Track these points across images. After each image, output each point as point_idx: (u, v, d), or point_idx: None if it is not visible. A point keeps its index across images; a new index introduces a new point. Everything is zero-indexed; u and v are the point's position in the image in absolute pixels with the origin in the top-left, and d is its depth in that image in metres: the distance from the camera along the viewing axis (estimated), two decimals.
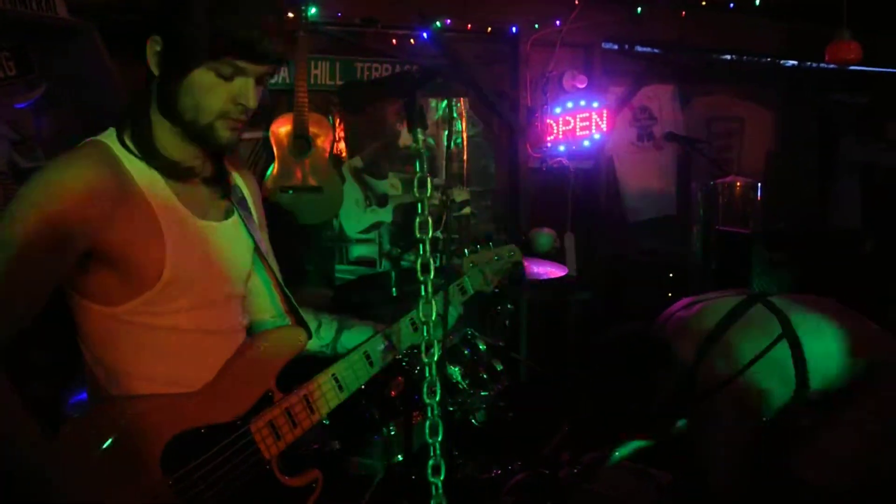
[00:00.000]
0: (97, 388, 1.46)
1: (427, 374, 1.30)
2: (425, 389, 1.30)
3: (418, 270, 1.29)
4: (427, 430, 1.31)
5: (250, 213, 1.66)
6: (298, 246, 3.80)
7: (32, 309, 1.30)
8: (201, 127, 1.42)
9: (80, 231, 1.31)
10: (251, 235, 1.63)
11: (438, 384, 1.32)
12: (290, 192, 3.67)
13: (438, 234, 3.33)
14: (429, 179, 1.30)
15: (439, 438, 1.32)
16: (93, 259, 1.35)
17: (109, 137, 1.42)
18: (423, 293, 1.31)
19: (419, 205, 1.32)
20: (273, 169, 3.72)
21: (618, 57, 4.74)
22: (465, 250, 2.06)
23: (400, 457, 2.57)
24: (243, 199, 1.64)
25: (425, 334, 1.31)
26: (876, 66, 5.27)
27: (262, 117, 3.73)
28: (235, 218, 1.60)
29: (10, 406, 1.26)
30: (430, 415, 1.31)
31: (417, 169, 1.30)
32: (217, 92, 1.39)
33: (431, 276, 1.30)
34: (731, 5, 4.62)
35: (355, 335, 1.83)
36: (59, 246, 1.30)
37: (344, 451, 2.52)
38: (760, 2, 4.56)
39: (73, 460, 1.31)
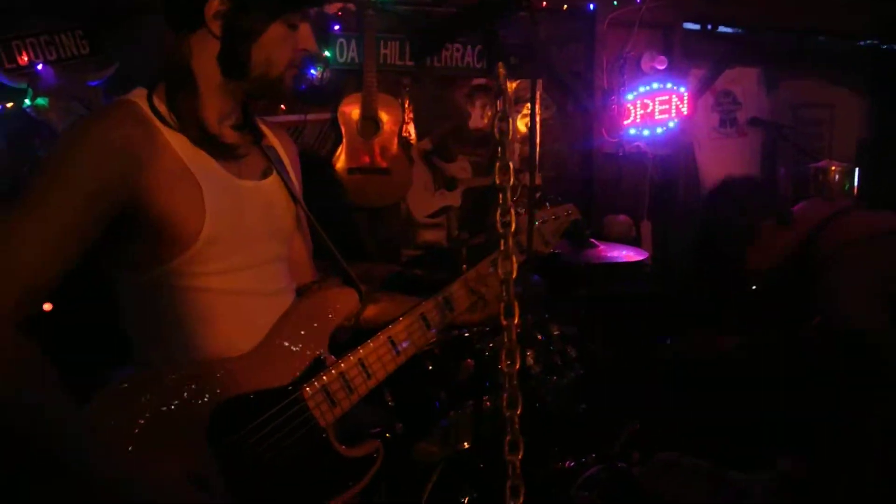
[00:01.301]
0: (141, 359, 1.39)
1: (506, 339, 1.17)
2: (504, 356, 1.17)
3: (497, 223, 1.16)
4: (505, 403, 1.17)
5: (289, 173, 1.57)
6: (365, 229, 3.73)
7: (65, 266, 1.23)
8: (271, 81, 1.40)
9: (115, 186, 1.25)
10: (292, 196, 1.54)
11: (518, 353, 1.18)
12: (358, 173, 3.60)
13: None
14: (509, 119, 1.17)
15: (518, 411, 1.18)
16: (129, 221, 1.28)
17: (139, 97, 1.35)
18: (501, 248, 1.17)
19: (500, 142, 1.18)
20: (341, 150, 3.65)
21: (699, 38, 4.51)
22: (520, 212, 1.93)
23: (467, 444, 2.45)
24: (280, 159, 1.56)
25: (505, 295, 1.18)
26: None
27: (331, 98, 3.67)
28: (274, 177, 1.51)
29: (43, 375, 1.19)
30: (507, 385, 1.18)
31: (498, 108, 1.17)
32: (287, 43, 1.39)
33: (512, 229, 1.16)
34: None
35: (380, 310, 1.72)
36: (90, 198, 1.23)
37: (409, 436, 2.41)
38: None
39: (112, 430, 1.24)
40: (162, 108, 1.34)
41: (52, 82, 3.04)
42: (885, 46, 4.98)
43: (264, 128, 1.56)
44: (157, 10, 1.43)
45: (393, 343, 1.57)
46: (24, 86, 3.01)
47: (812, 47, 4.85)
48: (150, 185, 1.27)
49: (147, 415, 1.26)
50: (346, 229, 3.14)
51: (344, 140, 3.67)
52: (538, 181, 4.12)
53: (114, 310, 1.42)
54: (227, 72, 1.37)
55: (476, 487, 2.26)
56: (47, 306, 1.29)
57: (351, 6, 3.69)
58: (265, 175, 1.50)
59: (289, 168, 1.58)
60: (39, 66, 3.06)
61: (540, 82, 4.17)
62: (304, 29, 1.40)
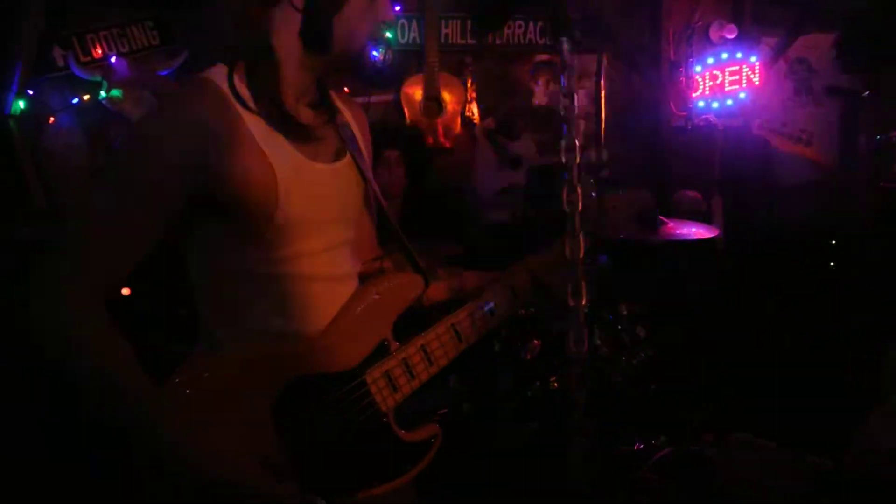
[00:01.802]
0: (211, 340, 1.41)
1: (574, 321, 1.15)
2: (572, 339, 1.15)
3: (564, 201, 1.13)
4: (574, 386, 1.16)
5: (361, 152, 1.56)
6: (432, 208, 3.73)
7: (141, 251, 1.26)
8: (354, 54, 1.40)
9: (191, 167, 1.26)
10: (363, 176, 1.55)
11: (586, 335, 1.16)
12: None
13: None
14: (574, 95, 1.14)
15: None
16: (203, 202, 1.29)
17: (218, 75, 1.34)
18: (569, 229, 1.15)
19: (565, 119, 1.16)
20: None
21: (771, 4, 4.33)
22: (592, 195, 1.89)
23: (535, 424, 2.45)
24: (353, 136, 1.55)
25: (574, 274, 1.16)
26: None
27: (393, 79, 3.68)
28: (347, 158, 1.51)
29: (120, 354, 1.23)
30: (574, 370, 1.16)
31: (564, 86, 1.15)
32: (368, 16, 1.39)
33: (579, 208, 1.14)
34: None
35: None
36: (169, 178, 1.25)
37: (475, 416, 2.42)
38: None
39: (183, 410, 1.27)
40: (241, 88, 1.33)
41: (125, 74, 3.14)
42: None
43: (338, 103, 1.55)
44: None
45: (456, 331, 1.57)
46: (98, 78, 3.12)
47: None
48: (226, 164, 1.28)
49: (216, 395, 1.30)
50: (420, 212, 3.15)
51: (407, 121, 3.67)
52: (604, 157, 4.04)
53: (185, 289, 1.46)
54: (309, 46, 1.36)
55: (545, 469, 2.26)
56: (125, 291, 1.32)
57: None
58: (338, 156, 1.49)
59: (361, 145, 1.57)
60: (113, 59, 3.16)
61: (605, 56, 4.09)
62: (382, 1, 1.39)
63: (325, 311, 1.45)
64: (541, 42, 3.90)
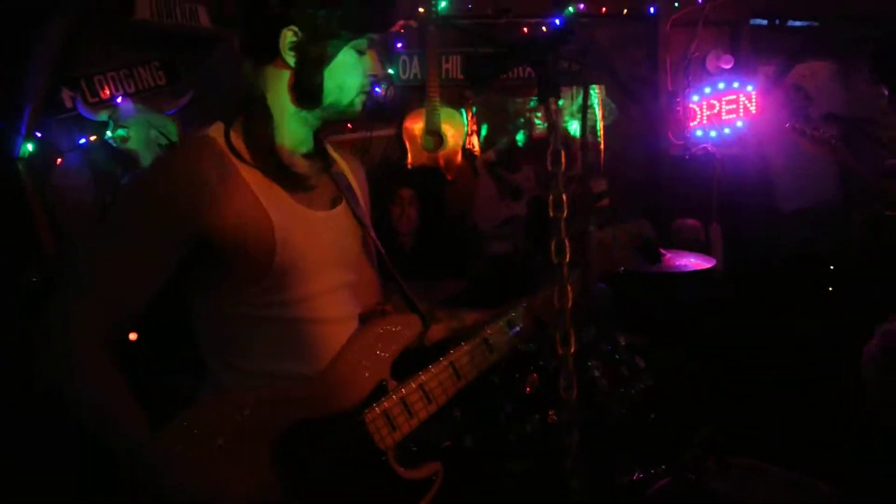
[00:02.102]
0: (214, 382, 1.46)
1: (563, 369, 1.19)
2: (561, 384, 1.19)
3: (552, 253, 1.18)
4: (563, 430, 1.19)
5: (357, 199, 1.62)
6: (436, 238, 3.78)
7: (148, 294, 1.33)
8: (343, 106, 1.46)
9: (190, 219, 1.32)
10: (360, 223, 1.60)
11: (574, 380, 1.20)
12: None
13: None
14: (562, 153, 1.19)
15: (575, 439, 1.20)
16: (204, 251, 1.35)
17: (216, 131, 1.42)
18: (558, 278, 1.19)
19: (552, 179, 1.21)
20: (407, 164, 3.72)
21: (768, 33, 4.40)
22: (592, 228, 1.92)
23: (533, 456, 2.47)
24: (349, 185, 1.61)
25: (561, 324, 1.20)
26: None
27: (395, 113, 3.75)
28: (343, 205, 1.56)
29: (119, 398, 1.29)
30: (566, 411, 1.20)
31: (551, 142, 1.19)
32: (357, 69, 1.45)
33: (567, 258, 1.18)
34: None
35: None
36: (169, 235, 1.32)
37: (477, 449, 2.44)
38: None
39: (183, 454, 1.31)
40: (238, 143, 1.40)
41: (131, 113, 3.21)
42: None
43: (334, 154, 1.62)
44: (227, 39, 1.51)
45: (455, 368, 1.61)
46: (104, 118, 3.19)
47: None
48: (225, 218, 1.34)
49: (216, 440, 1.34)
50: (421, 245, 3.18)
51: (409, 154, 3.73)
52: (603, 187, 4.09)
53: (190, 332, 1.51)
54: (300, 100, 1.43)
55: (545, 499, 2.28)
56: (133, 336, 1.38)
57: (412, 23, 3.76)
58: (335, 203, 1.55)
59: (357, 193, 1.64)
60: (119, 99, 3.23)
61: (602, 87, 4.16)
62: (372, 55, 1.46)
63: (326, 352, 1.49)
64: None
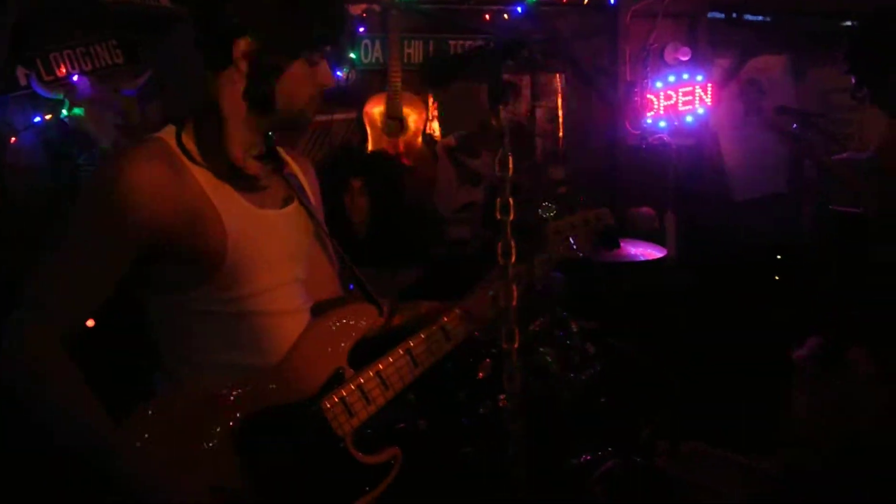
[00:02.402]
0: (171, 376, 1.49)
1: (508, 362, 1.25)
2: (505, 378, 1.25)
3: (499, 254, 1.23)
4: (507, 415, 1.25)
5: (309, 199, 1.66)
6: (392, 226, 3.81)
7: (98, 299, 1.36)
8: (294, 115, 1.50)
9: (143, 218, 1.34)
10: (312, 219, 1.64)
11: (519, 373, 1.26)
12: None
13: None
14: (510, 159, 1.24)
15: (520, 426, 1.26)
16: (156, 251, 1.38)
17: (167, 134, 1.45)
18: (504, 277, 1.25)
19: (502, 185, 1.26)
20: (367, 149, 3.73)
21: (724, 27, 4.49)
22: (550, 216, 1.97)
23: (487, 439, 2.54)
24: (300, 185, 1.65)
25: (508, 320, 1.25)
26: None
27: (356, 97, 3.75)
28: (295, 204, 1.60)
29: (79, 393, 1.32)
30: (509, 402, 1.26)
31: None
32: (308, 79, 1.47)
33: (513, 260, 1.24)
34: None
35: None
36: (123, 233, 1.34)
37: (431, 432, 2.50)
38: None
39: (144, 445, 1.35)
40: (190, 145, 1.44)
41: (87, 92, 3.17)
42: None
43: (285, 156, 1.65)
44: (186, 19, 1.52)
45: (412, 356, 1.66)
46: (60, 96, 3.14)
47: (844, 31, 4.78)
48: (176, 220, 1.37)
49: (175, 430, 1.38)
50: (380, 231, 3.20)
51: (370, 139, 3.75)
52: (561, 175, 4.17)
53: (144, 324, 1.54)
54: (252, 107, 1.46)
55: (499, 482, 2.35)
56: (90, 322, 1.41)
57: (375, 7, 3.76)
58: (287, 203, 1.59)
59: (309, 193, 1.67)
60: (75, 77, 3.19)
61: (563, 76, 4.21)
62: (324, 66, 1.49)
63: (280, 344, 1.53)
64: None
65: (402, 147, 3.75)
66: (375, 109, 3.73)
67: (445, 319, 1.72)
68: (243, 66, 1.42)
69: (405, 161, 3.74)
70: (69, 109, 3.12)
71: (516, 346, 1.24)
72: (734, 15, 4.49)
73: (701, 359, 3.84)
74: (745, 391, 3.63)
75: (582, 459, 2.48)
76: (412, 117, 3.75)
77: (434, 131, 3.98)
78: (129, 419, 1.36)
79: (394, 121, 3.72)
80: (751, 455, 3.36)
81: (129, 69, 3.40)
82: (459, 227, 3.98)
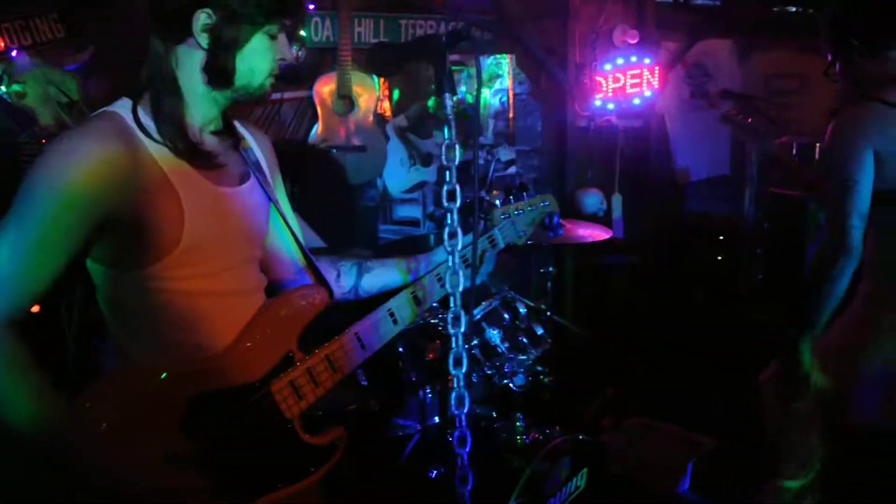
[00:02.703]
0: (122, 354, 1.49)
1: (453, 346, 1.29)
2: (451, 361, 1.28)
3: (445, 240, 1.26)
4: (453, 401, 1.29)
5: (265, 174, 1.65)
6: (341, 205, 3.80)
7: (53, 277, 1.33)
8: (253, 88, 1.49)
9: (96, 200, 1.33)
10: (268, 197, 1.63)
11: (465, 356, 1.30)
12: (334, 151, 3.65)
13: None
14: (457, 147, 1.27)
15: (465, 410, 1.30)
16: (110, 228, 1.36)
17: (123, 108, 1.42)
18: (449, 263, 1.28)
19: (447, 172, 1.29)
20: (317, 128, 3.71)
21: (672, 10, 4.57)
22: (497, 201, 2.02)
23: (437, 419, 2.59)
24: (257, 161, 1.64)
25: (453, 305, 1.29)
26: None
27: (306, 76, 3.71)
28: (251, 182, 1.60)
29: (30, 375, 1.31)
30: (455, 386, 1.30)
31: (446, 136, 1.27)
32: (269, 53, 1.47)
33: (459, 246, 1.27)
34: None
35: (376, 278, 1.84)
36: (75, 215, 1.32)
37: (382, 413, 2.54)
38: None
39: (94, 425, 1.35)
40: (145, 119, 1.41)
41: (27, 68, 3.07)
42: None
43: (242, 130, 1.64)
44: None
45: (359, 339, 1.68)
46: None
47: (787, 17, 4.90)
48: (132, 197, 1.36)
49: (127, 409, 1.38)
50: (328, 210, 3.20)
51: (320, 118, 3.72)
52: (510, 155, 4.21)
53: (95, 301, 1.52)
54: (211, 81, 1.45)
55: (447, 461, 2.40)
56: (34, 308, 1.39)
57: None
58: (243, 180, 1.58)
59: (265, 168, 1.67)
60: (14, 53, 3.08)
61: (513, 57, 4.23)
62: (282, 39, 1.49)
63: (232, 325, 1.54)
64: None
65: (352, 126, 3.73)
66: (326, 88, 3.69)
67: (393, 304, 1.75)
68: (203, 39, 1.41)
69: (356, 140, 3.73)
70: (8, 86, 3.02)
71: (462, 330, 1.27)
72: None
73: (648, 338, 3.95)
74: (687, 372, 3.76)
75: (530, 437, 2.54)
76: (363, 97, 3.73)
77: (385, 111, 3.97)
78: (79, 399, 1.36)
79: (344, 100, 3.69)
80: (692, 427, 3.51)
81: (71, 43, 3.30)
82: (409, 207, 4.00)
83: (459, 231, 1.30)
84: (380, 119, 3.89)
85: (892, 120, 2.07)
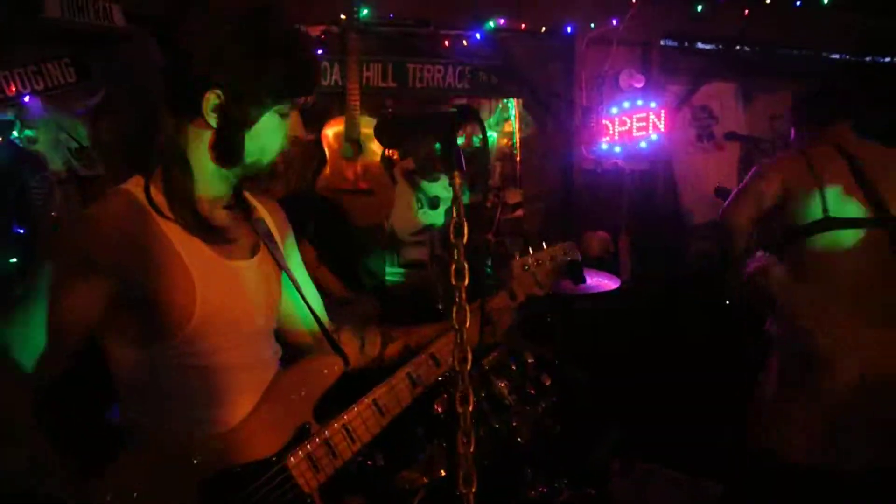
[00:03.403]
0: (134, 430, 1.47)
1: (460, 384, 1.24)
2: (456, 400, 1.24)
3: (452, 276, 1.22)
4: (460, 481, 1.26)
5: (276, 244, 1.65)
6: (349, 249, 3.80)
7: (68, 352, 1.35)
8: (263, 166, 1.49)
9: (110, 276, 1.34)
10: (280, 268, 1.62)
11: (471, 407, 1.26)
12: (341, 194, 3.67)
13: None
14: (465, 225, 1.24)
15: (472, 447, 1.26)
16: (124, 304, 1.37)
17: (136, 185, 1.44)
18: (456, 300, 1.25)
19: (455, 226, 1.25)
20: (325, 171, 3.72)
21: (677, 54, 4.59)
22: (517, 252, 1.96)
23: (443, 472, 2.56)
24: (268, 231, 1.64)
25: (458, 340, 1.25)
26: None
27: (314, 119, 3.74)
28: (263, 253, 1.59)
29: (44, 455, 1.31)
30: (464, 462, 1.27)
31: (454, 214, 1.25)
32: (279, 131, 1.47)
33: (465, 282, 1.24)
34: (798, 2, 4.44)
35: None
36: (90, 292, 1.33)
37: (388, 466, 2.51)
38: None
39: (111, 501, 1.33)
40: (157, 197, 1.42)
41: (39, 113, 3.10)
42: (853, 59, 5.09)
43: (252, 200, 1.65)
44: (139, 36, 1.48)
45: (377, 406, 1.66)
46: (11, 117, 3.07)
47: (788, 60, 4.93)
48: (144, 274, 1.36)
49: (142, 491, 1.37)
50: (336, 254, 3.19)
51: (328, 162, 3.74)
52: (518, 198, 4.21)
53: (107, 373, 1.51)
54: (220, 159, 1.45)
55: None
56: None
57: (334, 29, 3.74)
58: (255, 251, 1.58)
59: (277, 238, 1.66)
60: (27, 98, 3.11)
61: (520, 101, 4.26)
62: (294, 117, 1.49)
63: (246, 398, 1.53)
64: (459, 86, 4.04)
65: (360, 169, 3.74)
66: (333, 131, 3.72)
67: (412, 366, 1.73)
68: (212, 119, 1.41)
69: (363, 184, 3.74)
70: (20, 131, 3.05)
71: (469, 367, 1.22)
72: (686, 43, 4.59)
73: (656, 384, 3.92)
74: (699, 415, 3.72)
75: (539, 491, 2.51)
76: (371, 140, 3.75)
77: (393, 154, 3.99)
78: (95, 480, 1.35)
79: (352, 144, 3.71)
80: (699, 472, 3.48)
81: (82, 87, 3.33)
82: (417, 249, 4.00)
83: (466, 265, 1.26)
84: (388, 162, 3.91)
85: None
